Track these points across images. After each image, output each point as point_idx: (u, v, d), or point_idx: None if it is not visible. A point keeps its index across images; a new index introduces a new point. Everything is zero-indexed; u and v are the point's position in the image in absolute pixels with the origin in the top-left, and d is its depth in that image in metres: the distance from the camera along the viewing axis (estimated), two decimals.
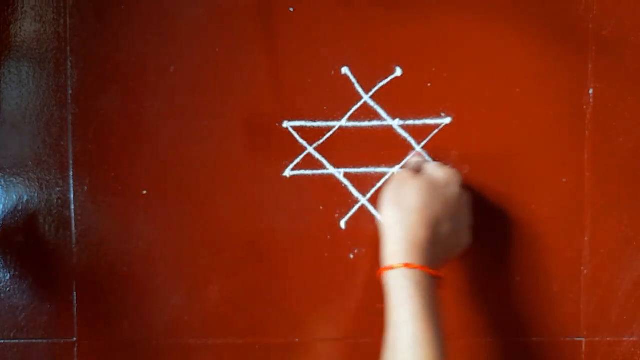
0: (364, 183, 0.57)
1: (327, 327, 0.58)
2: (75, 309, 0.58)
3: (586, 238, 0.57)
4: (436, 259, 0.50)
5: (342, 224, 0.57)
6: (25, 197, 0.57)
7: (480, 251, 0.56)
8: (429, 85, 0.56)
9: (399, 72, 0.56)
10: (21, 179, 0.57)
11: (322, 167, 0.57)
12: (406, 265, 0.48)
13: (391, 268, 0.49)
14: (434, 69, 0.56)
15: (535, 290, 0.57)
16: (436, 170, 0.53)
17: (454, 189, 0.52)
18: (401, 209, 0.50)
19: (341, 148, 0.56)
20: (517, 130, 0.56)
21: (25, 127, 0.57)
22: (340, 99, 0.56)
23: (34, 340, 0.58)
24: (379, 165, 0.57)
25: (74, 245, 0.57)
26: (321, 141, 0.57)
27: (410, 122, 0.56)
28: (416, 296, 0.47)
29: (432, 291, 0.48)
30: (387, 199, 0.52)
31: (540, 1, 0.56)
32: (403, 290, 0.48)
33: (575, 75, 0.56)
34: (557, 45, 0.56)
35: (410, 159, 0.56)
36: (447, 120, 0.56)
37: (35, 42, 0.56)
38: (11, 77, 0.57)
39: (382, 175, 0.57)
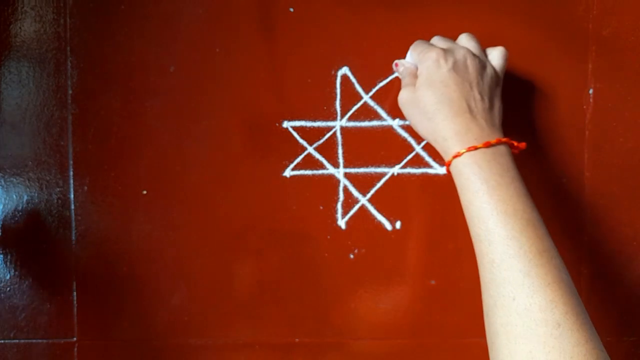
0: (364, 183, 0.57)
1: (327, 327, 0.58)
2: (75, 309, 0.58)
3: (586, 238, 0.57)
4: (491, 123, 0.47)
5: (342, 224, 0.57)
6: (25, 197, 0.57)
7: None
8: None
9: None
10: (21, 179, 0.57)
11: (322, 167, 0.57)
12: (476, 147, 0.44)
13: (459, 155, 0.45)
14: None
15: None
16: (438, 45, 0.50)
17: (462, 53, 0.48)
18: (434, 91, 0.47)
19: (341, 148, 0.57)
20: (516, 130, 0.56)
21: (25, 127, 0.57)
22: (340, 99, 0.56)
23: (34, 340, 0.58)
24: (379, 165, 0.57)
25: (74, 245, 0.57)
26: (321, 141, 0.57)
27: None
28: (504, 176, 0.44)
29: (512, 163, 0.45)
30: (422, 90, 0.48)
31: (540, 1, 0.56)
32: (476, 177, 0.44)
33: (575, 75, 0.56)
34: (557, 45, 0.56)
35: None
36: None
37: (35, 42, 0.56)
38: (11, 77, 0.57)
39: (382, 175, 0.57)
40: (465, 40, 0.51)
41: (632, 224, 0.56)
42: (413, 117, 0.50)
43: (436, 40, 0.52)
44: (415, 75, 0.50)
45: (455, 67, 0.47)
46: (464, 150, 0.45)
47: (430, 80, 0.48)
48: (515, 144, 0.48)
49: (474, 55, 0.49)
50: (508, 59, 0.51)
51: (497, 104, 0.49)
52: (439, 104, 0.47)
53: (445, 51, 0.48)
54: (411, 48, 0.52)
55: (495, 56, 0.51)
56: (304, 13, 0.56)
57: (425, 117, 0.48)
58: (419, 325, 0.57)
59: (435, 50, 0.48)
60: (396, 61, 0.54)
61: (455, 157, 0.45)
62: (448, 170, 0.47)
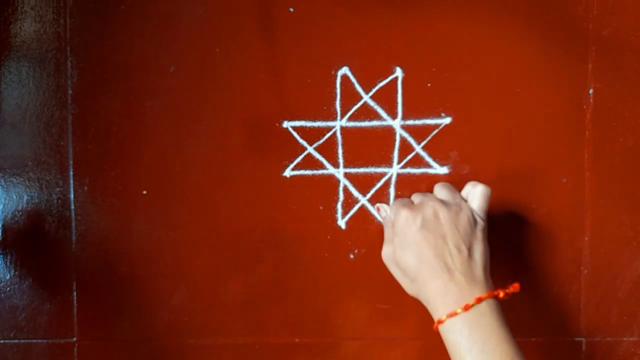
0: (364, 183, 0.57)
1: (327, 327, 0.58)
2: (75, 309, 0.58)
3: (586, 238, 0.57)
4: (475, 279, 0.46)
5: (342, 224, 0.57)
6: (25, 197, 0.57)
7: None
8: (429, 85, 0.56)
9: (399, 72, 0.56)
10: (21, 179, 0.57)
11: (322, 167, 0.57)
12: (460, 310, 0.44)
13: (440, 322, 0.45)
14: (434, 69, 0.56)
15: (535, 290, 0.57)
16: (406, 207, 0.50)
17: (431, 211, 0.48)
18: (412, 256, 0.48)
19: (341, 148, 0.57)
20: (516, 130, 0.56)
21: (25, 127, 0.57)
22: (340, 99, 0.56)
23: (34, 340, 0.58)
24: (379, 165, 0.57)
25: (74, 245, 0.57)
26: (321, 141, 0.57)
27: (410, 122, 0.56)
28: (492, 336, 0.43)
29: (500, 318, 0.45)
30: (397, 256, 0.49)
31: (540, 1, 0.56)
32: (466, 339, 0.44)
33: (575, 75, 0.56)
34: (557, 45, 0.56)
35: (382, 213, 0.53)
36: (447, 120, 0.56)
37: (35, 42, 0.56)
38: (11, 77, 0.57)
39: (382, 175, 0.57)
40: (438, 190, 0.51)
41: (632, 224, 0.56)
42: (396, 275, 0.51)
43: (414, 197, 0.52)
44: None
45: (424, 225, 0.47)
46: (445, 317, 0.45)
47: (405, 242, 0.48)
48: (502, 294, 0.46)
49: (444, 205, 0.48)
50: (492, 195, 0.50)
51: (479, 249, 0.48)
52: (417, 266, 0.47)
53: (414, 210, 0.48)
54: (390, 206, 0.52)
55: (476, 195, 0.50)
56: (304, 13, 0.56)
57: (408, 278, 0.49)
58: (419, 325, 0.57)
59: (404, 210, 0.49)
60: (377, 205, 0.54)
61: (438, 323, 0.46)
62: (436, 331, 0.46)
